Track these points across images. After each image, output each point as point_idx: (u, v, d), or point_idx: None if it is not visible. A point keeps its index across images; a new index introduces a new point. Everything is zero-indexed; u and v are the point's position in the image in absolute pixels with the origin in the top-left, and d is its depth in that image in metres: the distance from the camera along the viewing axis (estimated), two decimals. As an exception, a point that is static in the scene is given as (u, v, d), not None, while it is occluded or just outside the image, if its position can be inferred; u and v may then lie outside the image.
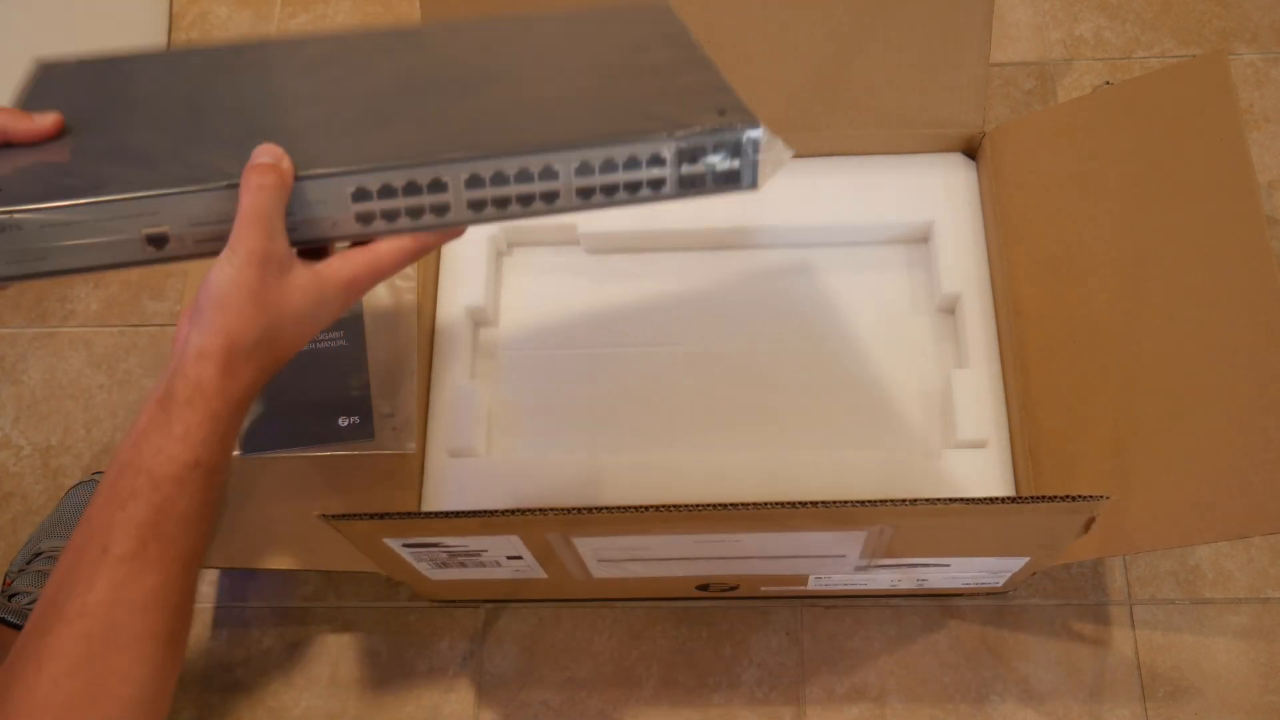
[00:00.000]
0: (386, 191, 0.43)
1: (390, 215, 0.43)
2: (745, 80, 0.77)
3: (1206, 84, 0.66)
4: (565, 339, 0.81)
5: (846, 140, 0.80)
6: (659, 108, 0.46)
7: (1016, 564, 0.65)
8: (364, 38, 0.55)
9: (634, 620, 0.81)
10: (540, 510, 0.53)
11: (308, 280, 0.43)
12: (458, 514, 0.54)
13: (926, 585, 0.72)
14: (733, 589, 0.75)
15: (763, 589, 0.76)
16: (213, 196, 0.42)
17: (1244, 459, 0.58)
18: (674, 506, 0.53)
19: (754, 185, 0.45)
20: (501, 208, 0.44)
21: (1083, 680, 0.77)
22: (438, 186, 0.43)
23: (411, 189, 0.43)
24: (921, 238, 0.82)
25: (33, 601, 0.76)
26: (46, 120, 0.45)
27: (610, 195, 0.45)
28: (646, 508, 0.53)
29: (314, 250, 0.47)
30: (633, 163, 0.44)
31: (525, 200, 0.44)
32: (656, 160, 0.44)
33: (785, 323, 0.80)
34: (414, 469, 0.74)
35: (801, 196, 0.80)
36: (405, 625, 0.82)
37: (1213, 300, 0.62)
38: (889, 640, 0.79)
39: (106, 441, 0.90)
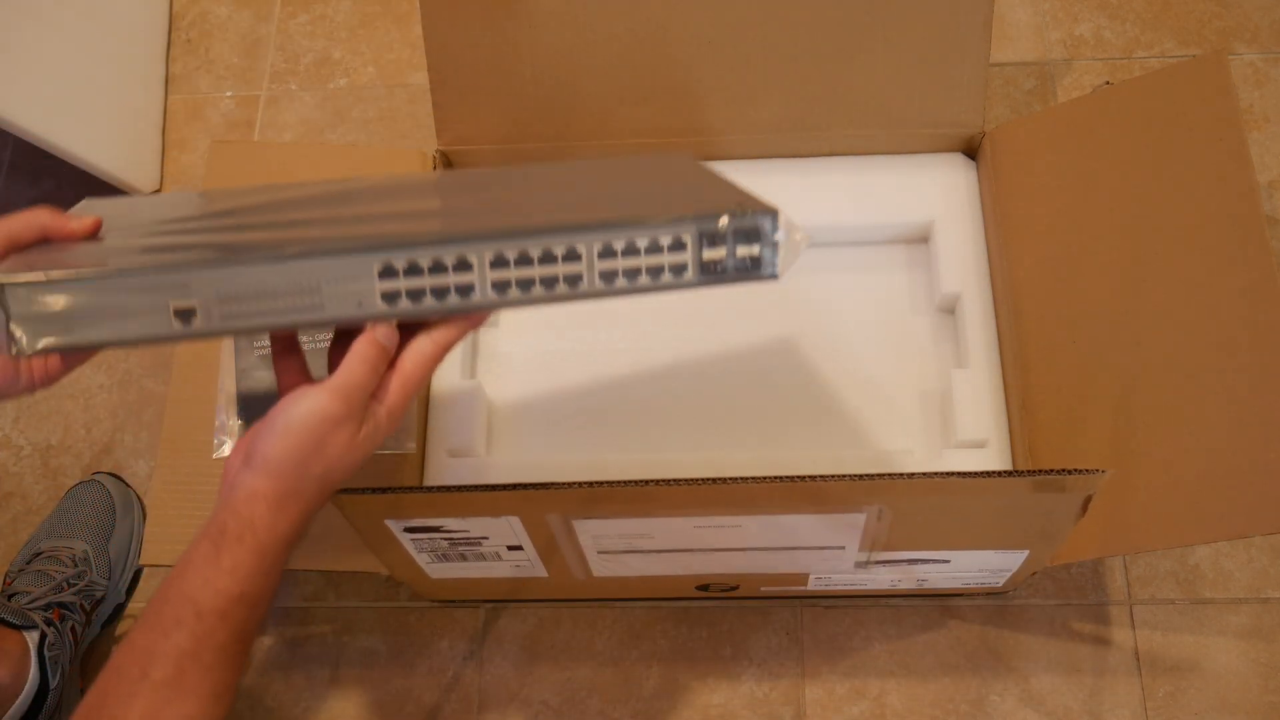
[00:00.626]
0: (413, 270, 0.43)
1: (415, 295, 0.44)
2: (745, 80, 0.77)
3: (1206, 84, 0.66)
4: (565, 339, 0.81)
5: (846, 140, 0.80)
6: (681, 201, 0.47)
7: (1016, 559, 0.65)
8: (382, 181, 0.58)
9: (634, 620, 0.81)
10: (541, 485, 0.54)
11: (369, 430, 0.45)
12: (459, 488, 0.55)
13: (927, 585, 0.72)
14: (733, 589, 0.75)
15: (763, 589, 0.76)
16: (241, 272, 0.42)
17: (1244, 459, 0.58)
18: (673, 481, 0.53)
19: (775, 274, 0.46)
20: (525, 290, 0.45)
21: (1083, 680, 0.77)
22: (463, 266, 0.44)
23: (437, 268, 0.43)
24: (921, 238, 0.82)
25: (32, 602, 0.76)
26: (85, 221, 0.47)
27: (633, 280, 0.45)
28: (645, 482, 0.53)
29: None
30: (654, 247, 0.45)
31: (549, 283, 0.45)
32: (678, 244, 0.45)
33: (785, 322, 0.80)
34: (414, 469, 0.74)
35: (801, 196, 0.80)
36: (405, 625, 0.82)
37: (1213, 300, 0.62)
38: (889, 640, 0.79)
39: (106, 441, 0.90)
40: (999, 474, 0.53)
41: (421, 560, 0.65)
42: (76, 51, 0.91)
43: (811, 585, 0.71)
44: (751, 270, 0.46)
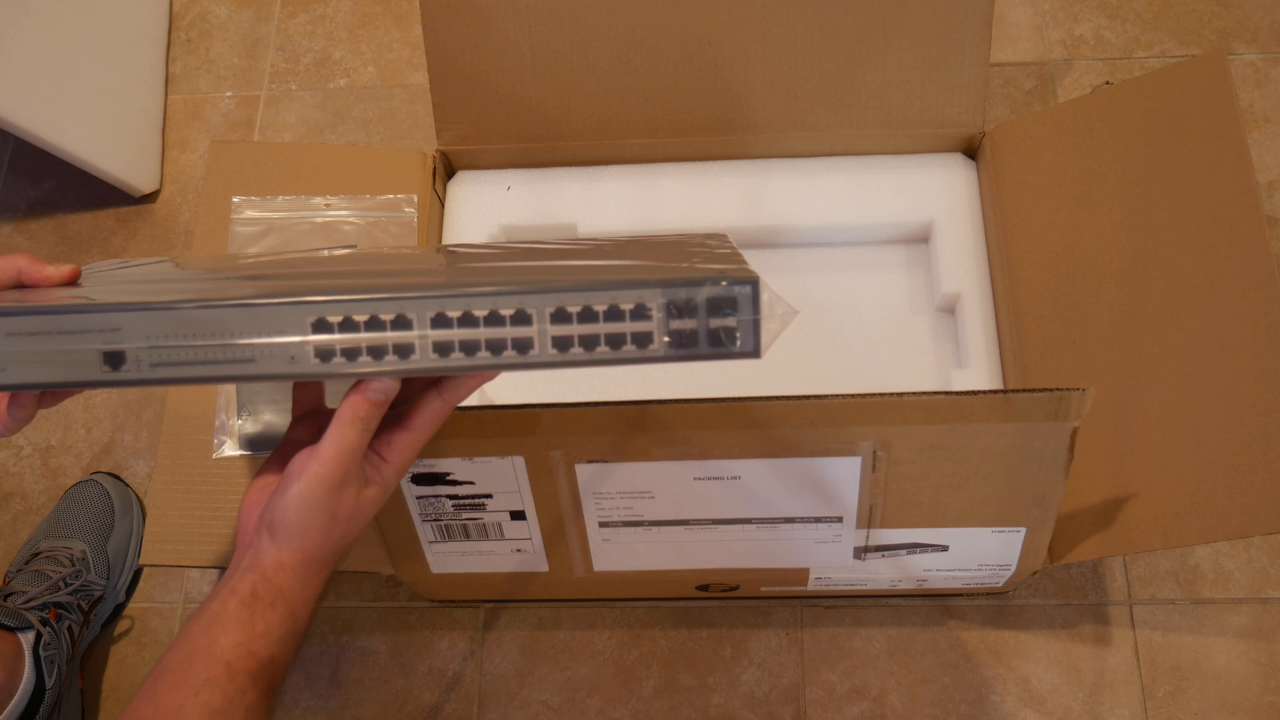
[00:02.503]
0: (348, 325, 0.40)
1: (351, 352, 0.41)
2: (746, 80, 0.77)
3: (1206, 84, 0.66)
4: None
5: (846, 140, 0.80)
6: (657, 269, 0.44)
7: (1014, 545, 0.64)
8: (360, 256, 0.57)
9: (634, 620, 0.81)
10: (543, 405, 0.54)
11: (376, 490, 0.45)
12: (465, 408, 0.55)
13: (927, 585, 0.72)
14: (733, 589, 0.75)
15: (763, 589, 0.76)
16: (172, 316, 0.40)
17: (1244, 459, 0.58)
18: (671, 401, 0.54)
19: (755, 351, 0.41)
20: (469, 353, 0.41)
21: (1083, 680, 0.77)
22: (401, 323, 0.41)
23: (374, 324, 0.40)
24: (921, 238, 0.82)
25: (29, 602, 0.76)
26: (63, 269, 0.46)
27: (590, 349, 0.41)
28: (640, 402, 0.54)
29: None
30: (614, 313, 0.41)
31: (495, 347, 0.41)
32: (641, 312, 0.41)
33: (785, 323, 0.80)
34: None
35: (801, 196, 0.80)
36: (405, 625, 0.82)
37: (1213, 300, 0.62)
38: (889, 640, 0.79)
39: (106, 441, 0.90)
40: (985, 392, 0.54)
41: (425, 537, 0.65)
42: (76, 51, 0.91)
43: (811, 585, 0.71)
44: (727, 345, 0.41)
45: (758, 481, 0.61)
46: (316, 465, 0.42)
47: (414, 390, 0.46)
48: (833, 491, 0.61)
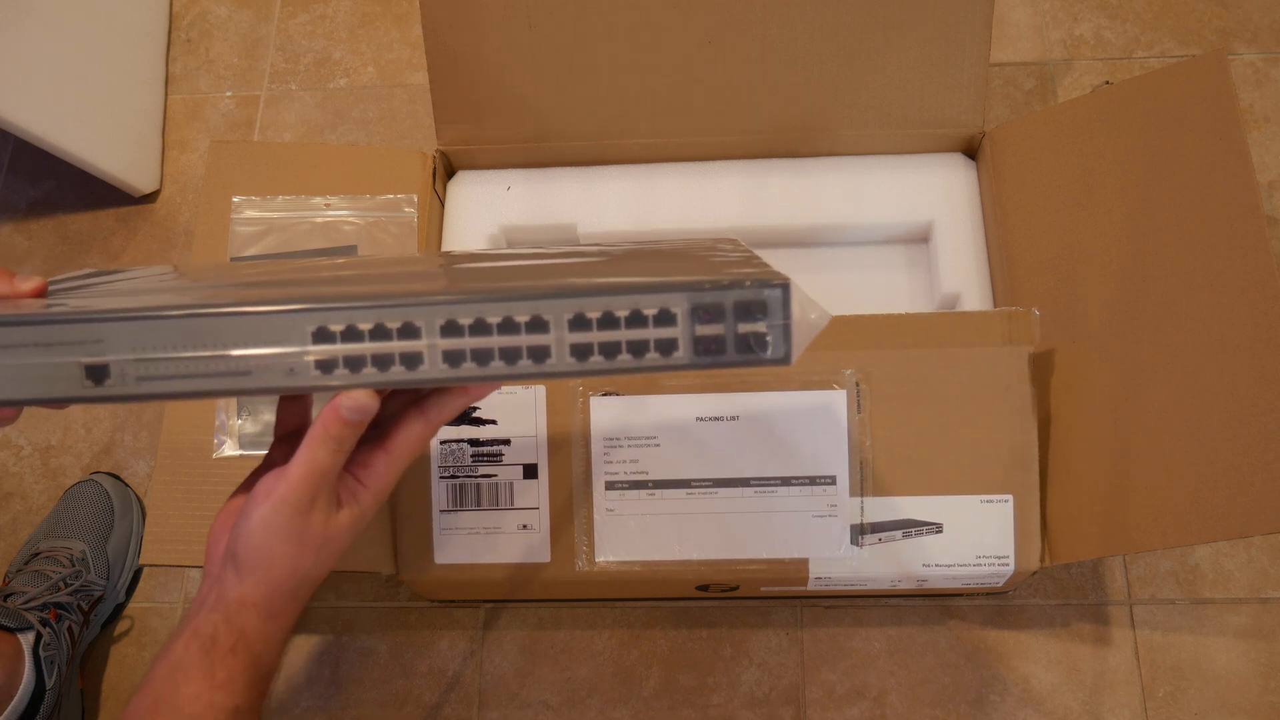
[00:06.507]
0: (351, 334, 0.38)
1: (355, 363, 0.38)
2: (746, 81, 0.77)
3: (1206, 84, 0.66)
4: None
5: (846, 140, 0.80)
6: (674, 269, 0.41)
7: (1005, 517, 0.64)
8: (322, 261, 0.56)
9: (634, 620, 0.81)
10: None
11: (350, 515, 0.42)
12: None
13: (927, 585, 0.72)
14: (733, 589, 0.75)
15: (763, 589, 0.76)
16: (159, 326, 0.38)
17: (1244, 459, 0.58)
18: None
19: (786, 357, 0.39)
20: (482, 363, 0.38)
21: (1083, 680, 0.77)
22: (409, 332, 0.38)
23: (380, 333, 0.38)
24: (921, 238, 0.82)
25: (28, 602, 0.76)
26: (29, 282, 0.43)
27: (611, 357, 0.39)
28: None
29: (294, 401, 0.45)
30: (636, 318, 0.38)
31: (510, 356, 0.38)
32: (666, 318, 0.38)
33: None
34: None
35: (801, 196, 0.80)
36: (405, 625, 0.82)
37: (1213, 300, 0.62)
38: (889, 640, 0.79)
39: (106, 441, 0.90)
40: (946, 314, 0.63)
41: (437, 504, 0.65)
42: (77, 52, 0.91)
43: (811, 585, 0.71)
44: (756, 351, 0.39)
45: (754, 424, 0.61)
46: (284, 487, 0.40)
47: (395, 408, 0.43)
48: (823, 441, 0.62)
